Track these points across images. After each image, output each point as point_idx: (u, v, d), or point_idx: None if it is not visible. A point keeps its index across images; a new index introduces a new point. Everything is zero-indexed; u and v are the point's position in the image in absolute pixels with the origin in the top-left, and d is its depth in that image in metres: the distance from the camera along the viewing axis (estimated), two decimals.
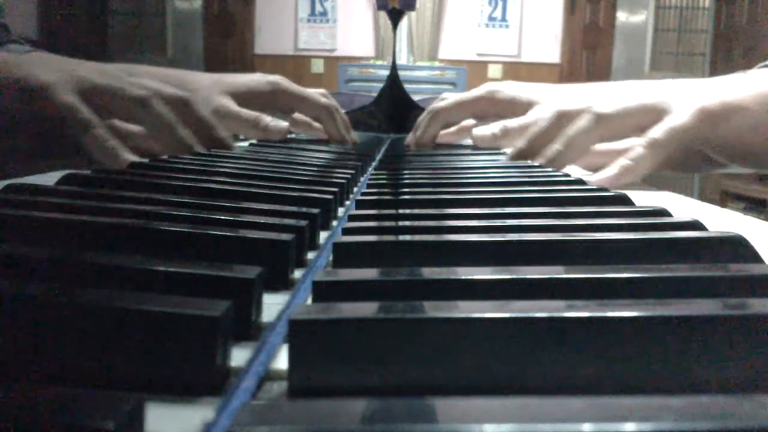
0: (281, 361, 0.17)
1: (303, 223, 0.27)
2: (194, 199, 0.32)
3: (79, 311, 0.16)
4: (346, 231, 0.28)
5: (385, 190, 0.43)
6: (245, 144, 0.74)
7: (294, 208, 0.31)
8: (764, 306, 0.17)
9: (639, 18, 4.71)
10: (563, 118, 0.56)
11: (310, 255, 0.28)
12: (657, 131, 0.49)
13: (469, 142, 0.81)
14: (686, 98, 0.51)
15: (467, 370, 0.15)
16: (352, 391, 0.15)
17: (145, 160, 0.47)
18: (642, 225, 0.29)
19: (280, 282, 0.24)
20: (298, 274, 0.25)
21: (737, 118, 0.50)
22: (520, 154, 0.59)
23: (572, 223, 0.29)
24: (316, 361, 0.15)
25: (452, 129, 0.85)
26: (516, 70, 4.69)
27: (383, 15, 1.74)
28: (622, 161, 0.50)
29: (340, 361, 0.15)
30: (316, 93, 0.84)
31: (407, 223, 0.31)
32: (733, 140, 0.51)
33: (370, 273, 0.21)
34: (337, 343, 0.15)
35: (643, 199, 0.42)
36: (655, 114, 0.51)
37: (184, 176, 0.40)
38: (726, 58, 4.51)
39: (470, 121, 0.83)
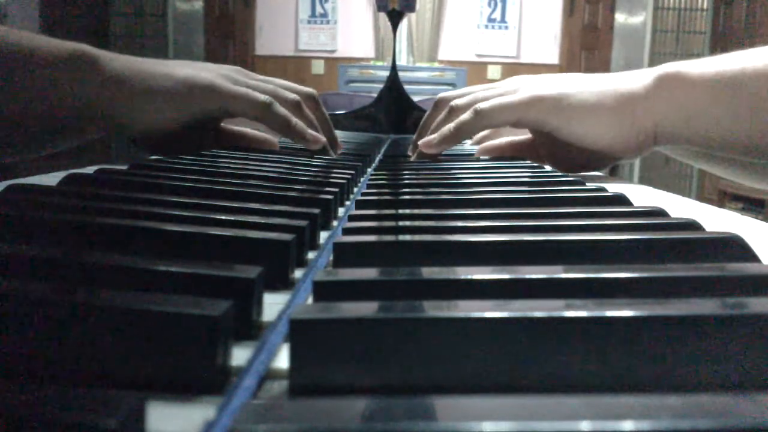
0: (282, 361, 0.17)
1: (303, 223, 0.27)
2: (195, 199, 0.32)
3: (81, 311, 0.16)
4: (347, 231, 0.28)
5: (385, 190, 0.43)
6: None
7: (294, 208, 0.31)
8: (762, 305, 0.17)
9: (637, 19, 4.70)
10: (452, 113, 0.59)
11: (311, 255, 0.28)
12: (486, 103, 0.54)
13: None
14: (532, 85, 0.56)
15: (467, 369, 0.15)
16: (352, 390, 0.15)
17: (147, 161, 0.47)
18: (640, 225, 0.29)
19: (280, 282, 0.24)
20: (298, 273, 0.25)
21: (569, 110, 0.55)
22: (414, 146, 0.62)
23: (571, 224, 0.29)
24: (317, 360, 0.15)
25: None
26: (515, 71, 4.70)
27: (383, 16, 1.74)
28: (446, 127, 0.56)
29: (341, 360, 0.15)
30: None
31: (407, 223, 0.31)
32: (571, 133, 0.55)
33: (370, 273, 0.21)
34: (337, 343, 0.15)
35: (641, 199, 0.42)
36: None
37: (184, 176, 0.40)
38: None
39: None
